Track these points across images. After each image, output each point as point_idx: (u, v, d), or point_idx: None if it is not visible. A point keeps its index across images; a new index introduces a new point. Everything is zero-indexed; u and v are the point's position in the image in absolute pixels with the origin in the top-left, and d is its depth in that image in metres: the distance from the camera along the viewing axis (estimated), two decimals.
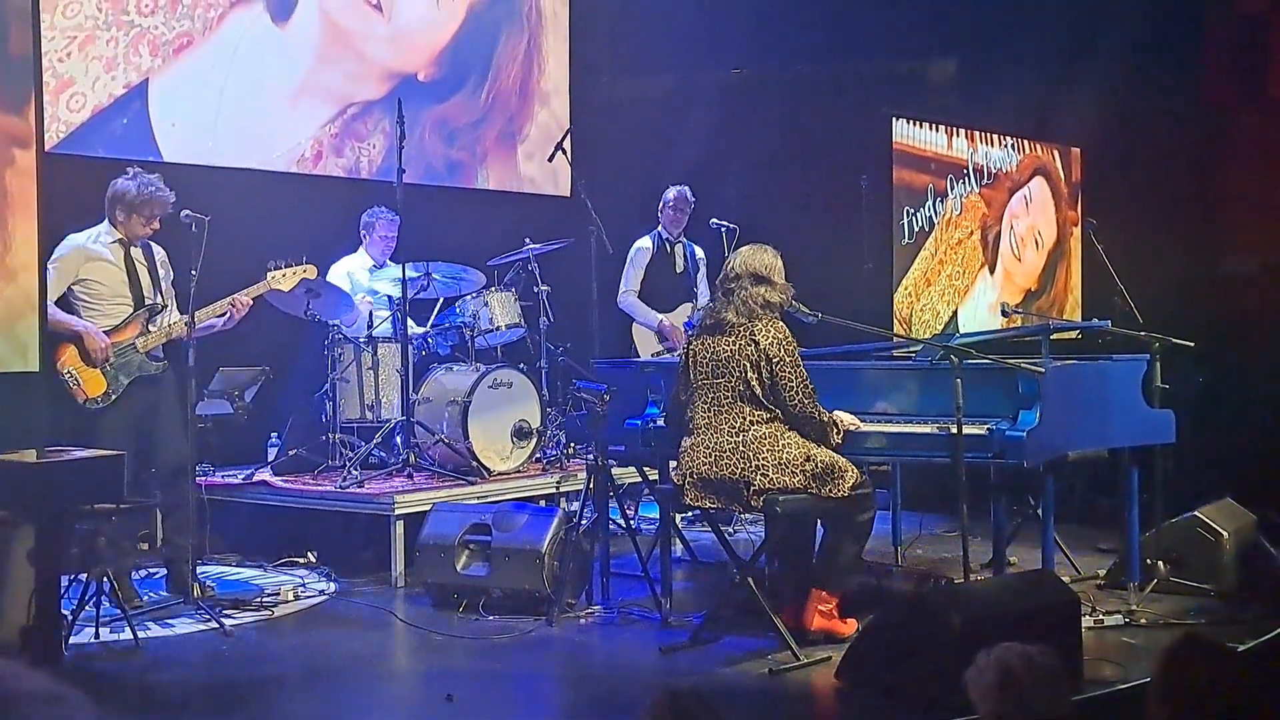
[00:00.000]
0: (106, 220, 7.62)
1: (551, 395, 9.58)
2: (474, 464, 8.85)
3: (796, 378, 6.52)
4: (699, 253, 10.48)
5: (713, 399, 6.60)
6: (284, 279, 8.03)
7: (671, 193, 10.37)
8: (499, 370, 9.12)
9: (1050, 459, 6.79)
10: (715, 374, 6.59)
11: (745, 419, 6.50)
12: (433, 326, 9.59)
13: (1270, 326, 11.35)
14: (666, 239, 10.38)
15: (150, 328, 7.64)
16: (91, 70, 8.97)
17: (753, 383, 6.49)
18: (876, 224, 11.27)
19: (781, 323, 6.64)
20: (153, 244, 7.80)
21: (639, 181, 10.89)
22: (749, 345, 6.51)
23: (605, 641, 6.88)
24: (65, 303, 7.49)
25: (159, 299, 7.73)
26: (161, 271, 7.83)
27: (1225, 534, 7.60)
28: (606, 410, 7.40)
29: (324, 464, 8.97)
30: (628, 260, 10.30)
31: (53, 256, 7.40)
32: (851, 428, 6.77)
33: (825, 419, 6.62)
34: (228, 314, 7.71)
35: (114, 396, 7.49)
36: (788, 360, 6.52)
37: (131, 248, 7.65)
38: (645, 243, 10.35)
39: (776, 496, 6.38)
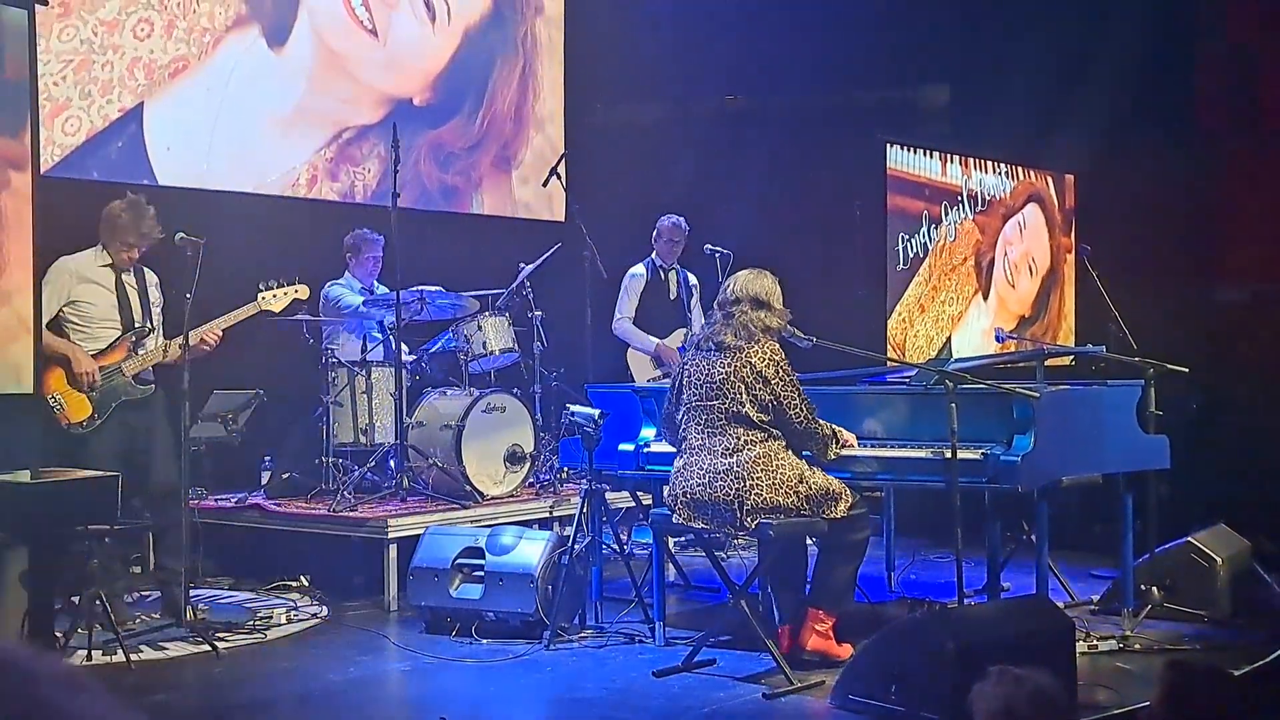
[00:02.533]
0: (99, 242, 7.62)
1: (545, 420, 9.58)
2: (467, 488, 8.84)
3: (796, 394, 6.57)
4: (692, 279, 10.49)
5: (706, 420, 6.61)
6: (275, 300, 7.99)
7: (667, 223, 10.37)
8: (493, 395, 9.12)
9: (1044, 484, 6.79)
10: (709, 395, 6.60)
11: (739, 440, 6.51)
12: (426, 353, 9.57)
13: (1264, 352, 11.37)
14: (660, 266, 10.39)
15: (137, 350, 7.62)
16: (87, 94, 8.98)
17: (746, 404, 6.51)
18: (871, 250, 11.28)
19: (776, 343, 6.66)
20: (145, 269, 7.78)
21: (633, 207, 10.90)
22: (744, 367, 6.53)
23: (599, 665, 6.86)
24: (55, 324, 7.48)
25: (148, 323, 7.71)
26: (153, 295, 7.82)
27: (1219, 560, 7.61)
28: (600, 434, 7.40)
29: (317, 488, 8.96)
30: (622, 287, 10.30)
31: (45, 277, 7.39)
32: (851, 442, 6.80)
33: (827, 430, 6.67)
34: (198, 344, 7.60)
35: (99, 421, 7.47)
36: (785, 378, 6.55)
37: (123, 272, 7.64)
38: (639, 270, 10.35)
39: (770, 519, 6.39)
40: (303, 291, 8.16)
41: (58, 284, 7.47)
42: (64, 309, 7.50)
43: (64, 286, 7.49)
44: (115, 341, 7.57)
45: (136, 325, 7.65)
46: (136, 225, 7.54)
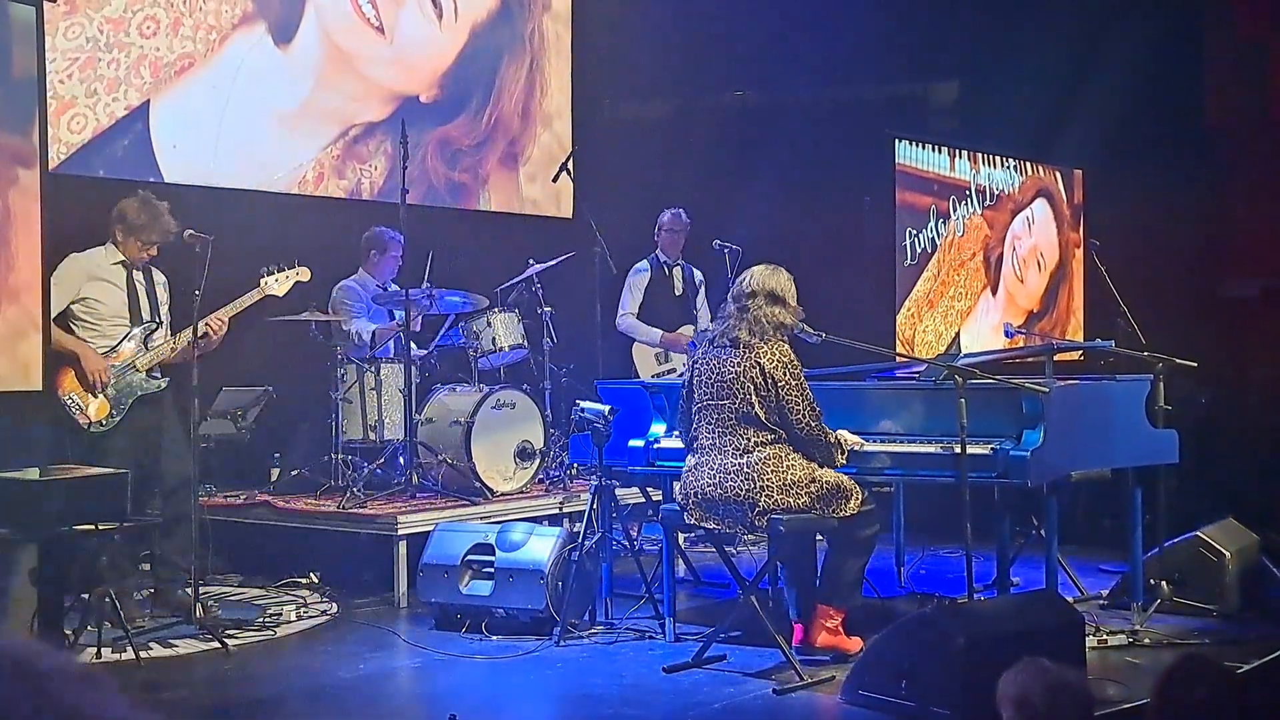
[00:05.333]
0: (110, 240, 7.63)
1: (555, 416, 9.58)
2: (477, 484, 8.84)
3: (802, 400, 6.53)
4: (698, 275, 10.48)
5: (717, 419, 6.59)
6: (278, 284, 7.99)
7: (666, 216, 10.36)
8: (502, 391, 9.12)
9: (1054, 479, 6.80)
10: (719, 394, 6.59)
11: (750, 439, 6.50)
12: (436, 346, 9.56)
13: (1272, 346, 11.36)
14: (664, 262, 10.37)
15: (148, 346, 7.63)
16: (93, 91, 8.97)
17: (755, 405, 6.49)
18: (879, 245, 11.27)
19: (786, 344, 6.64)
20: (153, 268, 7.80)
21: (642, 203, 10.89)
22: (753, 368, 6.51)
23: (609, 661, 6.86)
24: (64, 321, 7.48)
25: (156, 319, 7.72)
26: (161, 294, 7.83)
27: (1228, 554, 7.60)
28: (610, 430, 7.40)
29: (326, 484, 8.96)
30: (626, 284, 10.29)
31: (54, 273, 7.39)
32: (855, 447, 6.78)
33: (831, 439, 6.62)
34: (204, 335, 7.57)
35: (118, 418, 7.49)
36: (792, 383, 6.52)
37: (134, 270, 7.66)
38: (643, 266, 10.34)
39: (781, 516, 6.38)
40: (304, 274, 8.16)
41: (68, 280, 7.48)
42: (73, 305, 7.51)
43: (74, 283, 7.50)
44: (124, 337, 7.58)
45: (145, 321, 7.66)
46: (155, 222, 7.56)
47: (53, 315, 7.32)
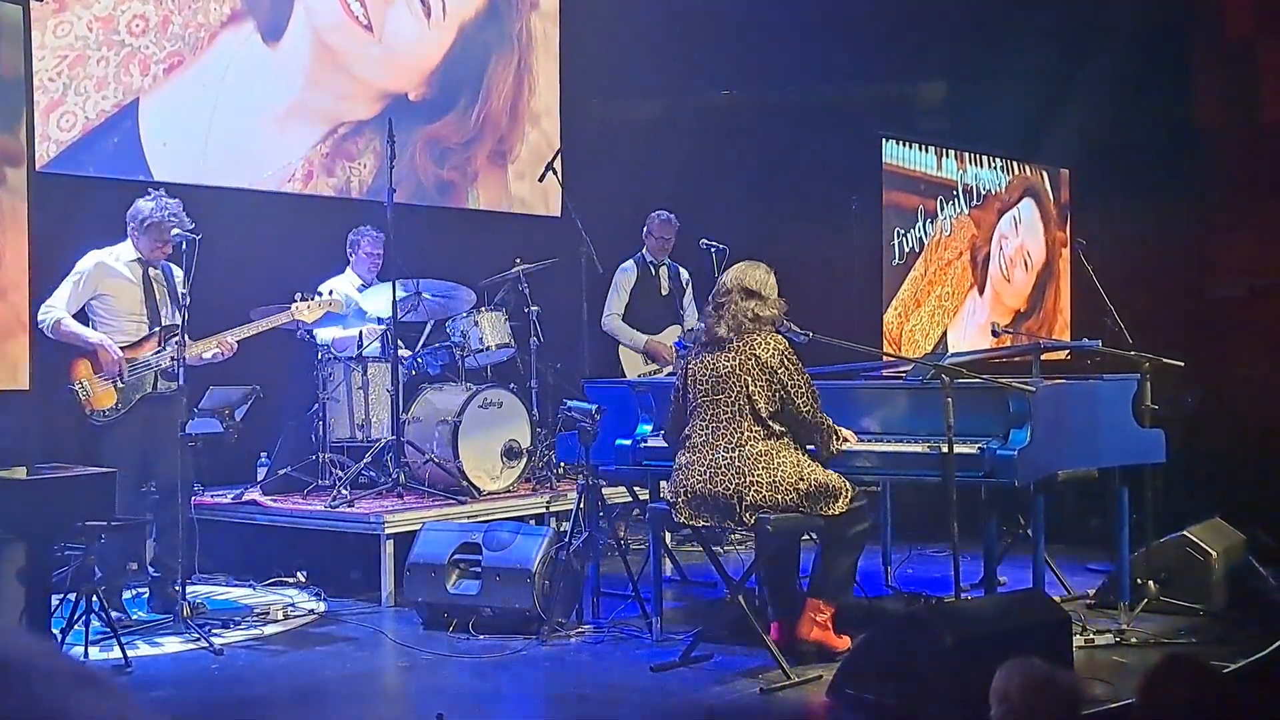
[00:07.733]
0: (128, 238, 7.64)
1: (542, 415, 9.58)
2: (464, 483, 8.84)
3: (804, 383, 6.58)
4: (684, 274, 10.47)
5: (711, 415, 6.60)
6: (308, 310, 8.03)
7: (656, 220, 10.34)
8: (489, 390, 9.11)
9: (1041, 478, 6.81)
10: (715, 390, 6.60)
11: (743, 434, 6.50)
12: (423, 347, 9.57)
13: (1259, 346, 11.38)
14: (651, 261, 10.36)
15: (166, 346, 7.63)
16: (82, 89, 8.95)
17: (755, 398, 6.50)
18: (867, 245, 11.28)
19: (780, 335, 6.66)
20: (172, 265, 7.79)
21: (629, 202, 10.89)
22: (750, 360, 6.53)
23: (596, 660, 6.87)
24: (82, 317, 7.50)
25: (175, 318, 7.71)
26: (181, 289, 7.82)
27: (1214, 554, 7.61)
28: (597, 430, 7.40)
29: (314, 483, 8.95)
30: (611, 284, 10.28)
31: (74, 269, 7.42)
32: (850, 439, 6.79)
33: (828, 425, 6.65)
34: (214, 353, 7.65)
35: (122, 410, 7.48)
36: (793, 369, 6.56)
37: (150, 267, 7.67)
38: (629, 266, 10.33)
39: (768, 515, 6.39)
40: (337, 305, 8.22)
41: (88, 276, 7.50)
42: (92, 301, 7.55)
43: (94, 279, 7.53)
44: (144, 336, 7.59)
45: (164, 321, 7.67)
46: (167, 220, 7.55)
47: (73, 311, 7.35)
